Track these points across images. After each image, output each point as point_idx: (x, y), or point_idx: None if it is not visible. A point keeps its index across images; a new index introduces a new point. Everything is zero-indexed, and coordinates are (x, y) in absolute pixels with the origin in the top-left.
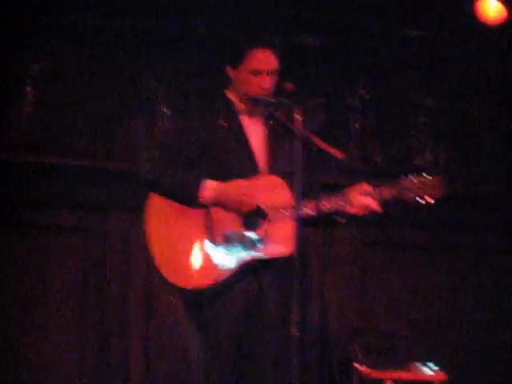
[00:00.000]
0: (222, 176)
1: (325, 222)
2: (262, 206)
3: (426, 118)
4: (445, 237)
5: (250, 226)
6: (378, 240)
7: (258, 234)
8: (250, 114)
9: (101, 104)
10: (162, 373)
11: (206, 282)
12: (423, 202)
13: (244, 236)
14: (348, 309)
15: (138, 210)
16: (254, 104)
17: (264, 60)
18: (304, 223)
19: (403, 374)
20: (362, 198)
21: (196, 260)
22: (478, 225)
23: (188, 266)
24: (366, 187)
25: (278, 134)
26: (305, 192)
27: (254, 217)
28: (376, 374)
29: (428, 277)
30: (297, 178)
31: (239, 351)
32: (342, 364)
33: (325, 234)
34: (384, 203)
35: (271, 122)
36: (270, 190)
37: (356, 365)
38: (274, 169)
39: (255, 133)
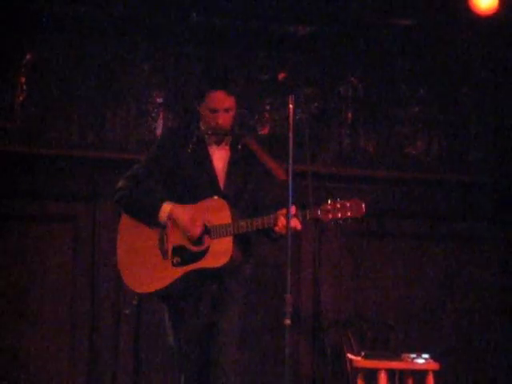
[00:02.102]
0: (189, 196)
1: (262, 236)
2: (207, 224)
3: (417, 107)
4: (437, 226)
5: (196, 241)
6: (371, 230)
7: (201, 248)
8: (217, 144)
9: (92, 94)
10: (151, 356)
11: (155, 287)
12: (342, 222)
13: (187, 250)
14: (341, 298)
15: None
16: (213, 135)
17: (218, 100)
18: (238, 238)
19: (396, 364)
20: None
21: (148, 268)
22: (469, 213)
23: (142, 273)
24: (293, 209)
25: (237, 159)
26: (239, 211)
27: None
28: (369, 364)
29: (421, 266)
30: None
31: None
32: (335, 354)
33: (318, 225)
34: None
35: (235, 149)
36: (214, 211)
37: (349, 355)
38: (229, 188)
39: (219, 159)
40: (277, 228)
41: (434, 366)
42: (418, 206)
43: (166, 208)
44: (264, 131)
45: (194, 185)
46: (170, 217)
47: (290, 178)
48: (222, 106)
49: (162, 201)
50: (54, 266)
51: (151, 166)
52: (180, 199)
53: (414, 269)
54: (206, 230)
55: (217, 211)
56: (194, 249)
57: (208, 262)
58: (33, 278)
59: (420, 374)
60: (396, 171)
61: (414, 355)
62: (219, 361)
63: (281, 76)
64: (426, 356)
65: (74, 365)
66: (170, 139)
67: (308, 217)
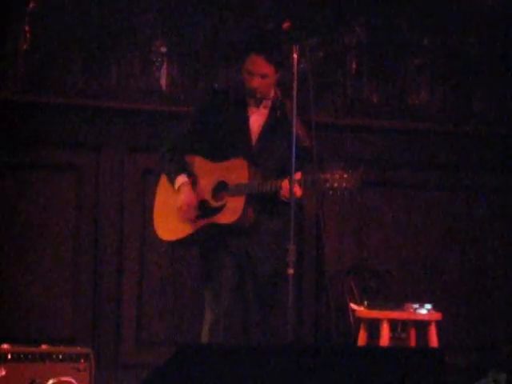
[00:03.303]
0: (222, 153)
1: (268, 199)
2: (228, 182)
3: (422, 58)
4: (440, 176)
5: (216, 197)
6: (374, 180)
7: (218, 204)
8: (256, 106)
9: (96, 42)
10: (154, 312)
11: (177, 235)
12: (339, 193)
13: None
14: (344, 249)
15: (131, 149)
16: (254, 98)
17: (256, 64)
18: (255, 198)
19: (399, 314)
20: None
21: (174, 219)
22: (473, 164)
23: (169, 223)
24: (297, 176)
25: (274, 124)
26: (267, 172)
27: (221, 189)
28: (372, 314)
29: (424, 216)
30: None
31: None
32: (338, 304)
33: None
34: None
35: (273, 114)
36: (234, 170)
37: (352, 304)
38: (260, 149)
39: (256, 121)
40: (282, 191)
41: (437, 316)
42: (422, 156)
43: (179, 181)
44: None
45: (227, 143)
46: (179, 190)
47: (294, 129)
48: (259, 70)
49: (180, 171)
50: (57, 215)
51: (193, 126)
52: (214, 156)
53: (416, 219)
54: (226, 188)
55: (237, 170)
56: (214, 204)
57: (220, 218)
58: (35, 227)
59: (422, 324)
60: (399, 121)
61: (416, 305)
62: (250, 307)
63: (285, 25)
64: (428, 306)
65: (77, 313)
66: (211, 99)
67: (308, 184)
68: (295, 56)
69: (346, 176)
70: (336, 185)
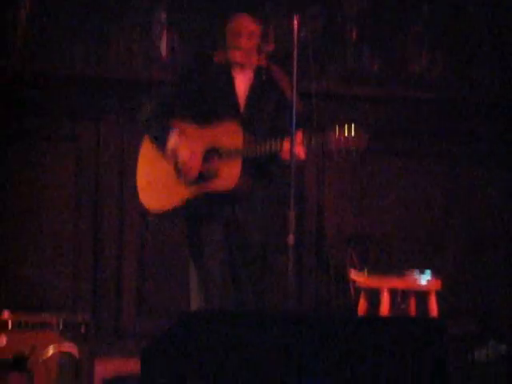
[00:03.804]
0: (209, 117)
1: (267, 162)
2: (220, 147)
3: (422, 26)
4: (441, 145)
5: (208, 164)
6: (374, 148)
7: (212, 170)
8: (241, 68)
9: (96, 11)
10: (154, 281)
11: (166, 206)
12: (345, 155)
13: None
14: (344, 216)
15: (131, 119)
16: (235, 60)
17: (243, 23)
18: (250, 162)
19: (399, 283)
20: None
21: (162, 187)
22: (474, 132)
23: (156, 192)
24: (298, 137)
25: (261, 84)
26: (257, 136)
27: (212, 156)
28: (372, 283)
29: (425, 185)
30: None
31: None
32: (338, 272)
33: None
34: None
35: (259, 74)
36: (227, 134)
37: (352, 273)
38: (249, 113)
39: (242, 82)
40: (282, 153)
41: (437, 285)
42: (423, 125)
43: (172, 139)
44: (269, 48)
45: (214, 107)
46: (175, 147)
47: (295, 96)
48: (246, 30)
49: (171, 131)
50: (57, 185)
51: (177, 90)
52: (201, 120)
53: (417, 188)
54: (219, 154)
55: (230, 135)
56: (206, 171)
57: (215, 185)
58: (36, 197)
59: (422, 293)
60: (400, 90)
61: (416, 274)
62: (241, 278)
63: None
64: (428, 276)
65: (78, 282)
66: (196, 62)
67: (312, 145)
68: (295, 25)
69: (352, 135)
70: (343, 145)
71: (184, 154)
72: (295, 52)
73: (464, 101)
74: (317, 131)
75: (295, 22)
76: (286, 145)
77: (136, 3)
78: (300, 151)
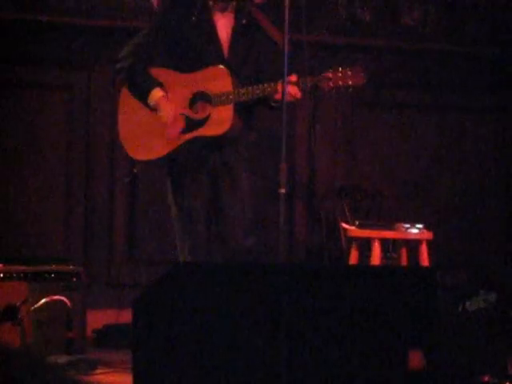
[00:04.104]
0: (192, 64)
1: (261, 105)
2: (208, 92)
3: None
4: (433, 97)
5: (195, 109)
6: (366, 100)
7: (201, 116)
8: (221, 11)
9: None
10: (146, 230)
11: (155, 154)
12: (343, 91)
13: (188, 118)
14: (336, 169)
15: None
16: (222, 1)
17: None
18: (241, 106)
19: (390, 234)
20: (289, 87)
21: (149, 136)
22: (466, 84)
23: (143, 141)
24: (293, 77)
25: (243, 28)
26: (242, 80)
27: (200, 102)
28: (363, 234)
29: (416, 137)
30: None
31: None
32: (329, 223)
33: (313, 97)
34: (307, 92)
35: (240, 17)
36: (215, 79)
37: (343, 224)
38: (233, 56)
39: (224, 26)
40: (277, 96)
41: (428, 235)
42: (414, 76)
43: (154, 96)
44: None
45: (197, 53)
46: (156, 106)
47: (286, 46)
48: None
49: (153, 85)
50: (49, 134)
51: (155, 35)
52: (183, 67)
53: (409, 139)
54: (207, 98)
55: (218, 79)
56: (195, 116)
57: (208, 130)
58: (27, 146)
59: (414, 243)
60: (392, 41)
61: (407, 225)
62: (226, 236)
63: None
64: (419, 226)
65: (69, 232)
66: (174, 7)
67: (308, 84)
68: None
69: (350, 72)
70: (340, 82)
71: (165, 117)
72: (287, 1)
73: (456, 52)
74: (306, 76)
75: None
76: (281, 86)
77: None
78: (296, 91)
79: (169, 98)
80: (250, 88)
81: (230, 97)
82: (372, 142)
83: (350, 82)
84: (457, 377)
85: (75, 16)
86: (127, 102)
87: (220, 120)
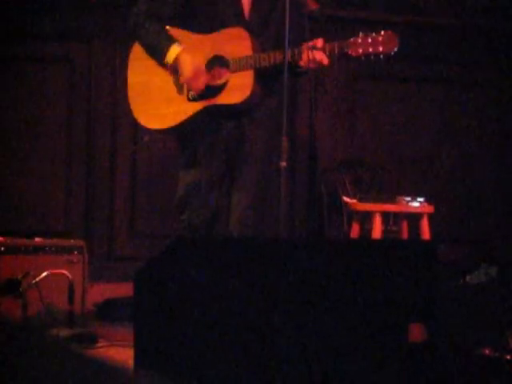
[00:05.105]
0: (210, 25)
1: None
2: (226, 56)
3: None
4: (435, 69)
5: (213, 74)
6: (366, 73)
7: (219, 82)
8: None
9: None
10: (147, 203)
11: (168, 123)
12: (373, 58)
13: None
14: (337, 142)
15: (123, 41)
16: None
17: None
18: (264, 72)
19: (391, 207)
20: (315, 53)
21: (161, 103)
22: (466, 57)
23: (155, 108)
24: (319, 42)
25: None
26: (263, 44)
27: (217, 66)
28: (364, 207)
29: (417, 110)
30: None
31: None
32: (330, 197)
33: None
34: (335, 58)
35: None
36: (234, 42)
37: (344, 198)
38: (254, 18)
39: None
40: (301, 62)
41: (429, 208)
42: (415, 49)
43: (173, 52)
44: None
45: (216, 12)
46: (176, 62)
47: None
48: None
49: (171, 42)
50: (50, 108)
51: None
52: (199, 28)
53: (410, 113)
54: (225, 63)
55: (237, 42)
56: (212, 82)
57: (226, 98)
58: (28, 121)
59: (415, 217)
60: (390, 14)
61: (408, 198)
62: (232, 211)
63: None
64: (420, 199)
65: (71, 206)
66: None
67: (336, 50)
68: None
69: (381, 38)
70: (371, 49)
71: (187, 71)
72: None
73: (455, 25)
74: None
75: None
76: (306, 52)
77: None
78: (322, 57)
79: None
80: (273, 53)
81: (250, 62)
82: (373, 116)
83: (381, 49)
84: (458, 350)
85: None
86: (139, 61)
87: (239, 87)
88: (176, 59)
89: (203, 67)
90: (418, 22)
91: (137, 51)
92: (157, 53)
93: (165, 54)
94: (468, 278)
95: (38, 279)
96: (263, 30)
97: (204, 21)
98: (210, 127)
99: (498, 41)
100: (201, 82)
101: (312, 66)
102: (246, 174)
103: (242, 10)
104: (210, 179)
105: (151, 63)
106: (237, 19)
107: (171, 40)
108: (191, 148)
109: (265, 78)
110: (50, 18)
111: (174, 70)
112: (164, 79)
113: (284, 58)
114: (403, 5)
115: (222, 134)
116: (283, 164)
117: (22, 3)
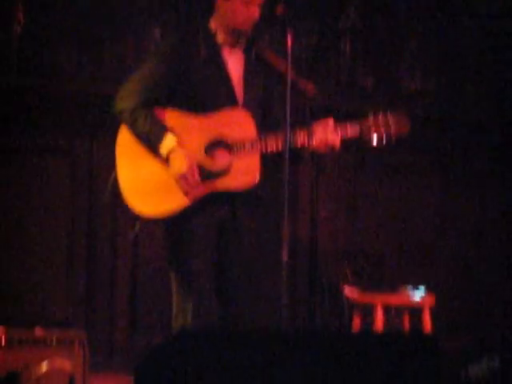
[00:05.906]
0: (201, 108)
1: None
2: (227, 140)
3: (416, 43)
4: (435, 160)
5: (212, 159)
6: (368, 163)
7: (220, 166)
8: (231, 46)
9: (90, 28)
10: (148, 297)
11: (162, 211)
12: (384, 142)
13: (204, 169)
14: (338, 232)
15: None
16: (237, 36)
17: None
18: (269, 158)
19: (393, 299)
20: (326, 134)
21: (156, 189)
22: (466, 148)
23: (148, 194)
24: (332, 123)
25: (254, 66)
26: (271, 127)
27: (218, 150)
28: (366, 299)
29: (418, 199)
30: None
31: (217, 281)
32: (332, 289)
33: (315, 158)
34: (345, 141)
35: (250, 54)
36: (235, 124)
37: (346, 289)
38: (249, 99)
39: (234, 65)
40: (314, 143)
41: (431, 301)
42: (417, 141)
43: (168, 145)
44: None
45: (207, 95)
46: (169, 156)
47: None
48: None
49: (164, 132)
50: (52, 201)
51: (160, 72)
52: (193, 108)
53: (410, 202)
54: (227, 146)
55: (239, 124)
56: (214, 168)
57: (230, 183)
58: (29, 212)
59: (416, 309)
60: (392, 106)
61: (410, 287)
62: (227, 298)
63: (279, 10)
64: (422, 288)
65: (71, 297)
66: (180, 42)
67: (348, 131)
68: (289, 40)
69: (392, 119)
70: (383, 130)
71: (183, 167)
72: (289, 67)
73: (458, 118)
74: (350, 121)
75: (289, 37)
76: (318, 132)
77: (130, 19)
78: (335, 139)
79: (181, 144)
80: (280, 135)
81: (256, 145)
82: (374, 205)
83: (393, 130)
84: None
85: (77, 83)
86: (128, 146)
87: (245, 171)
88: (170, 153)
89: (195, 166)
90: (417, 113)
91: (125, 135)
92: (149, 142)
93: (158, 145)
94: (470, 370)
95: (38, 372)
96: (256, 113)
97: (196, 100)
98: (206, 212)
99: (495, 133)
100: (193, 184)
101: (322, 148)
102: (236, 264)
103: (233, 92)
104: (203, 267)
105: (140, 148)
106: (230, 102)
107: (164, 129)
108: (183, 234)
109: (266, 161)
110: (52, 111)
111: (168, 163)
112: (156, 165)
113: (286, 141)
114: (401, 96)
115: (215, 219)
116: (284, 258)
117: (24, 96)
